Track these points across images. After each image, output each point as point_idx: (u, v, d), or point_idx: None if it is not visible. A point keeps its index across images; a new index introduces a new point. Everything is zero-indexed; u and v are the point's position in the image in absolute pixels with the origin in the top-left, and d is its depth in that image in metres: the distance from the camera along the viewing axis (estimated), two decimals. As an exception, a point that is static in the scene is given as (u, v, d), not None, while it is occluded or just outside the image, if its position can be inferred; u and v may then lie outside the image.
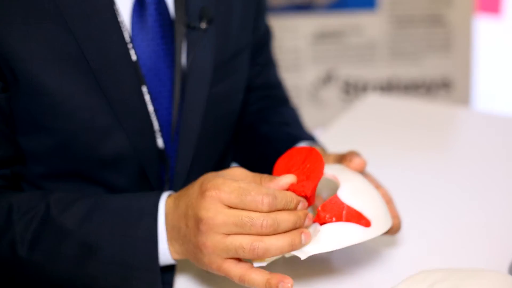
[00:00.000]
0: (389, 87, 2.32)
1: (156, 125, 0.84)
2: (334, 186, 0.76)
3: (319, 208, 0.72)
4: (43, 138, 0.81)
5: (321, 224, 0.71)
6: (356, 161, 0.79)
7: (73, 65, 0.78)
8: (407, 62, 2.30)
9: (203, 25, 0.86)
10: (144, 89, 0.83)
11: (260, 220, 0.66)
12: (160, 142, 0.85)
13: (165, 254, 0.73)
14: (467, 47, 2.29)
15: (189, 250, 0.71)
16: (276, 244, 0.67)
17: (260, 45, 1.05)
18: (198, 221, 0.68)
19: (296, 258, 0.84)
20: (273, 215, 0.67)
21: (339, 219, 0.71)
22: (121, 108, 0.81)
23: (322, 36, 2.27)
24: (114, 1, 0.80)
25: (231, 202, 0.67)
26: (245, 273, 0.68)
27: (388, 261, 0.84)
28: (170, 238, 0.72)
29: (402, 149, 1.15)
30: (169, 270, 0.79)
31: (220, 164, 1.01)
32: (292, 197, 0.70)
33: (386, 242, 0.88)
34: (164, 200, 0.74)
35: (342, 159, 0.82)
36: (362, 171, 0.80)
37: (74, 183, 0.85)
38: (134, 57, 0.81)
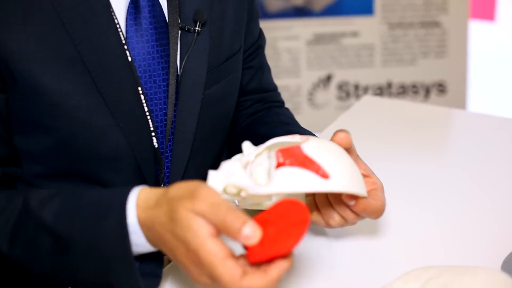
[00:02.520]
0: (385, 91, 2.33)
1: (151, 125, 0.85)
2: None
3: (277, 151, 0.71)
4: (41, 138, 0.82)
5: (277, 167, 0.70)
6: (340, 135, 0.78)
7: (70, 65, 0.79)
8: (403, 66, 2.31)
9: (197, 28, 0.88)
10: (140, 90, 0.84)
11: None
12: (155, 142, 0.86)
13: (142, 244, 0.70)
14: (462, 51, 2.30)
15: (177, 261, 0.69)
16: None
17: (254, 49, 1.06)
18: (187, 257, 0.65)
19: (294, 254, 0.84)
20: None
21: (295, 165, 0.69)
22: (117, 108, 0.82)
23: (319, 40, 2.28)
24: (110, 3, 0.81)
25: (218, 224, 0.64)
26: None
27: (383, 258, 0.85)
28: (145, 231, 0.69)
29: (398, 151, 1.15)
30: (156, 261, 0.76)
31: (216, 165, 1.01)
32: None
33: (381, 239, 0.88)
34: (136, 193, 0.70)
35: (331, 138, 0.81)
36: (346, 147, 0.78)
37: (71, 183, 0.86)
38: (130, 58, 0.83)
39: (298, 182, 0.69)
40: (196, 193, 0.64)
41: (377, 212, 0.78)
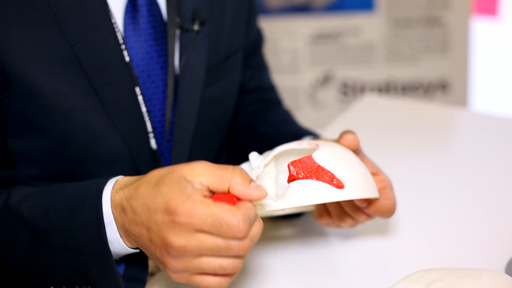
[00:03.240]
0: (386, 88, 2.32)
1: (149, 126, 0.85)
2: None
3: (289, 164, 0.70)
4: (38, 139, 0.81)
5: (290, 181, 0.69)
6: (347, 137, 0.77)
7: (66, 66, 0.78)
8: (405, 64, 2.30)
9: (196, 27, 0.87)
10: (137, 90, 0.83)
11: (237, 246, 0.62)
12: (153, 143, 0.86)
13: (117, 241, 0.68)
14: (465, 48, 2.29)
15: (148, 252, 0.66)
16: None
17: (253, 48, 1.05)
18: (166, 245, 0.63)
19: (294, 255, 0.84)
20: (247, 242, 0.63)
21: (309, 177, 0.69)
22: (114, 109, 0.82)
23: (320, 38, 2.27)
24: (107, 3, 0.80)
25: (205, 230, 0.62)
26: (229, 280, 0.65)
27: (385, 261, 0.84)
28: (121, 229, 0.67)
29: (400, 150, 1.15)
30: (141, 265, 0.75)
31: None
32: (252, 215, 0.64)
33: (383, 241, 0.88)
34: (111, 184, 0.69)
35: (337, 139, 0.80)
36: (354, 148, 0.78)
37: None
38: (127, 58, 0.82)
39: (314, 195, 0.69)
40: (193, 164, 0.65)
41: (389, 212, 0.79)
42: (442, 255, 0.85)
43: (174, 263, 0.63)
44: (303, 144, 0.76)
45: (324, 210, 0.82)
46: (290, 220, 0.93)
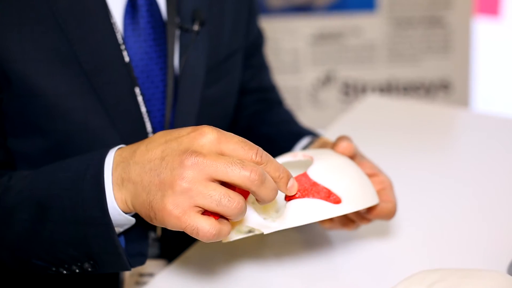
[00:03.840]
0: (388, 89, 2.32)
1: (149, 126, 0.84)
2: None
3: None
4: (37, 140, 0.81)
5: (288, 200, 0.69)
6: (342, 145, 0.77)
7: (66, 66, 0.78)
8: (406, 64, 2.30)
9: (196, 27, 0.87)
10: (137, 90, 0.83)
11: (250, 167, 0.59)
12: None
13: (113, 207, 0.65)
14: (466, 48, 2.29)
15: (146, 190, 0.62)
16: (264, 193, 0.62)
17: (253, 48, 1.05)
18: (184, 154, 0.60)
19: (294, 257, 0.84)
20: (261, 167, 0.61)
21: (305, 195, 0.68)
22: (114, 109, 0.81)
23: (322, 38, 2.27)
24: (106, 3, 0.80)
25: (226, 148, 0.61)
26: (218, 231, 0.61)
27: (387, 261, 0.84)
28: (116, 184, 0.65)
29: (401, 150, 1.15)
30: (141, 239, 0.73)
31: None
32: (284, 168, 0.64)
33: (384, 241, 0.88)
34: (114, 150, 0.67)
35: (333, 145, 0.80)
36: (350, 155, 0.77)
37: None
38: (127, 58, 0.82)
39: (311, 213, 0.69)
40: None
41: (390, 214, 0.79)
42: (444, 256, 0.85)
43: (185, 176, 0.59)
44: (298, 156, 0.76)
45: None
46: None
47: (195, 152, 0.59)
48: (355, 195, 0.72)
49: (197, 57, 0.88)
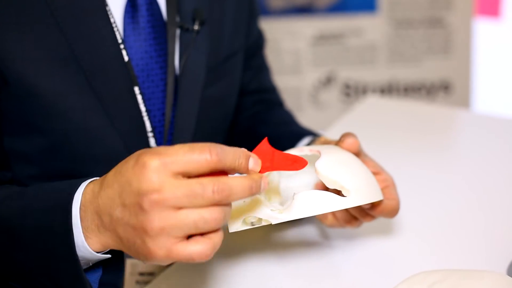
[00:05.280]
0: (389, 89, 2.32)
1: (148, 125, 0.85)
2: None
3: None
4: (36, 139, 0.81)
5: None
6: (348, 141, 0.76)
7: (64, 65, 0.78)
8: (407, 64, 2.30)
9: (196, 27, 0.87)
10: (137, 89, 0.83)
11: (211, 185, 0.56)
12: (152, 143, 0.85)
13: (83, 246, 0.63)
14: (467, 49, 2.29)
15: (125, 238, 0.59)
16: (237, 198, 0.58)
17: (253, 50, 1.05)
18: (139, 196, 0.56)
19: (295, 257, 0.84)
20: (224, 179, 0.57)
21: (271, 167, 0.65)
22: (113, 109, 0.81)
23: (323, 39, 2.27)
24: (106, 2, 0.80)
25: (177, 167, 0.56)
26: (213, 246, 0.58)
27: (387, 262, 0.84)
28: (90, 228, 0.62)
29: (402, 151, 1.15)
30: (116, 270, 0.73)
31: None
32: (239, 152, 0.59)
33: (384, 242, 0.88)
34: (82, 187, 0.64)
35: (338, 141, 0.79)
36: (356, 151, 0.77)
37: None
38: (126, 57, 0.82)
39: (319, 205, 0.69)
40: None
41: (393, 212, 0.79)
42: (444, 257, 0.85)
43: (151, 220, 0.56)
44: (305, 151, 0.76)
45: (330, 212, 0.82)
46: (291, 222, 0.92)
47: (148, 192, 0.55)
48: (363, 189, 0.72)
49: (197, 56, 0.88)
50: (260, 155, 0.63)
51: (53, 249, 0.64)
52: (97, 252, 0.64)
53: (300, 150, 0.77)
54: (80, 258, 0.64)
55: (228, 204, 0.58)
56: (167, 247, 0.57)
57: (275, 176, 0.76)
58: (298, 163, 0.66)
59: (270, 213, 0.68)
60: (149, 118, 0.84)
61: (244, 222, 0.68)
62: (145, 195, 0.56)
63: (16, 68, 0.76)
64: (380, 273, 0.82)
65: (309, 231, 0.91)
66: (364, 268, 0.83)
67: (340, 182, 0.70)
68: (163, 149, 0.57)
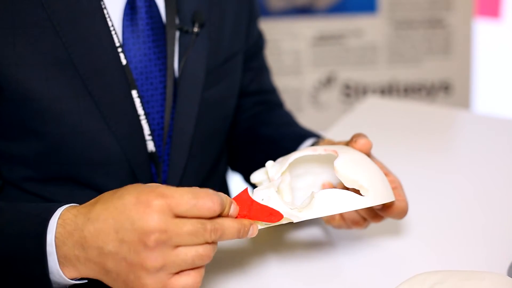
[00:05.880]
0: (389, 90, 2.32)
1: (146, 128, 0.84)
2: (334, 159, 0.75)
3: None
4: (32, 143, 0.81)
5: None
6: (361, 141, 0.77)
7: (60, 69, 0.78)
8: (407, 65, 2.30)
9: (195, 29, 0.86)
10: (134, 92, 0.82)
11: (209, 225, 0.60)
12: (151, 146, 0.85)
13: (58, 274, 0.63)
14: (467, 50, 2.29)
15: (114, 272, 0.60)
16: (228, 238, 0.63)
17: (253, 51, 1.05)
18: (144, 235, 0.58)
19: (296, 258, 0.84)
20: (219, 220, 0.61)
21: (247, 216, 0.67)
22: (110, 112, 0.81)
23: (323, 39, 2.27)
24: (104, 5, 0.80)
25: (180, 211, 0.59)
26: (201, 277, 0.62)
27: (387, 263, 0.84)
28: (68, 258, 0.62)
29: (402, 151, 1.15)
30: None
31: (215, 169, 1.00)
32: (229, 198, 0.63)
33: (385, 243, 0.88)
34: (58, 214, 0.64)
35: (349, 142, 0.80)
36: (368, 152, 0.78)
37: (63, 187, 0.85)
38: (124, 61, 0.81)
39: (339, 204, 0.69)
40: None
41: (403, 212, 0.79)
42: (444, 257, 0.85)
43: (154, 258, 0.58)
44: (319, 151, 0.76)
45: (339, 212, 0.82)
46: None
47: (154, 231, 0.58)
48: (379, 188, 0.72)
49: (196, 58, 0.88)
50: (239, 203, 0.66)
51: (27, 275, 0.64)
52: (72, 279, 0.64)
53: (314, 149, 0.76)
54: (53, 284, 0.65)
55: (216, 242, 0.62)
56: (163, 282, 0.59)
57: (286, 176, 0.77)
58: (274, 216, 0.68)
59: (290, 211, 0.68)
60: (148, 121, 0.84)
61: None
62: (151, 234, 0.58)
63: (11, 73, 0.76)
64: (380, 274, 0.82)
65: (310, 232, 0.91)
66: (365, 269, 0.83)
67: (359, 181, 0.71)
68: (166, 190, 0.59)
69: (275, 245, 0.88)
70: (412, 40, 2.28)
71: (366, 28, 2.26)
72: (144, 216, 0.58)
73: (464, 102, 2.33)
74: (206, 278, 0.81)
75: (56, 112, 0.79)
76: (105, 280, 0.62)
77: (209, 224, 0.60)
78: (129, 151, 0.83)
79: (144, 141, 0.84)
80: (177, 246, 0.59)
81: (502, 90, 2.90)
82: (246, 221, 0.65)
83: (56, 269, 0.63)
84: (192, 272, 0.61)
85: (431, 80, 2.31)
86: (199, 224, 0.59)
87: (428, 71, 2.30)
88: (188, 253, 0.59)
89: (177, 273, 0.60)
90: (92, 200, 0.63)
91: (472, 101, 2.38)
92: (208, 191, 0.61)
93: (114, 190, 0.62)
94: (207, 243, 0.61)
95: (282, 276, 0.82)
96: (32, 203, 0.69)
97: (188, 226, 0.59)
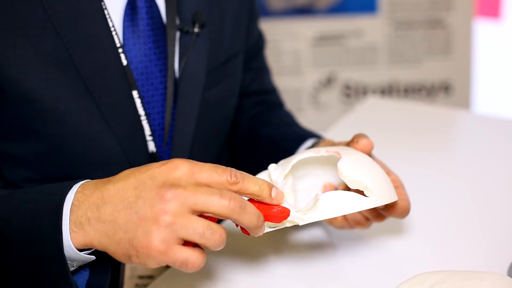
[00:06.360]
0: (389, 90, 2.32)
1: (147, 129, 0.84)
2: (337, 161, 0.75)
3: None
4: (33, 143, 0.81)
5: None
6: (362, 142, 0.77)
7: (61, 70, 0.78)
8: (407, 65, 2.30)
9: (196, 30, 0.86)
10: (135, 93, 0.83)
11: (228, 195, 0.59)
12: (151, 146, 0.85)
13: (68, 245, 0.63)
14: (467, 50, 2.29)
15: (122, 230, 0.59)
16: (247, 219, 0.61)
17: (254, 51, 1.05)
18: (163, 188, 0.58)
19: (297, 258, 0.84)
20: (241, 197, 0.60)
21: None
22: (110, 113, 0.81)
23: (323, 40, 2.27)
24: (104, 6, 0.80)
25: (202, 177, 0.60)
26: (204, 260, 0.60)
27: (387, 263, 0.84)
28: (78, 221, 0.62)
29: (402, 152, 1.15)
30: (102, 273, 0.71)
31: None
32: (261, 180, 0.63)
33: (385, 244, 0.88)
34: (76, 187, 0.64)
35: (350, 142, 0.80)
36: (369, 152, 0.78)
37: None
38: (124, 61, 0.81)
39: (344, 205, 0.69)
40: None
41: (406, 212, 0.78)
42: (444, 257, 0.85)
43: (168, 210, 0.58)
44: (321, 152, 0.76)
45: None
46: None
47: (174, 185, 0.58)
48: (383, 189, 0.72)
49: (197, 59, 0.88)
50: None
51: (41, 250, 0.64)
52: (80, 251, 0.63)
53: (316, 151, 0.76)
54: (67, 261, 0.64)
55: (225, 232, 0.60)
56: (168, 242, 0.58)
57: (289, 178, 0.77)
58: (282, 213, 0.66)
59: (295, 214, 0.68)
60: (148, 122, 0.84)
61: (268, 224, 0.68)
62: (170, 188, 0.58)
63: (12, 74, 0.76)
64: (380, 274, 0.82)
65: (310, 232, 0.91)
66: (365, 269, 0.83)
67: (363, 182, 0.71)
68: (190, 160, 0.60)
69: (277, 246, 0.88)
70: (412, 41, 2.28)
71: (366, 28, 2.26)
72: (168, 174, 0.59)
73: (464, 102, 2.33)
74: (207, 279, 0.82)
75: (57, 113, 0.79)
76: (109, 244, 0.61)
77: (227, 194, 0.59)
78: (130, 152, 0.83)
79: (145, 141, 0.85)
80: (192, 213, 0.58)
81: (502, 90, 2.90)
82: (265, 184, 0.63)
83: (67, 239, 0.62)
84: (197, 249, 0.59)
85: (431, 80, 2.31)
86: (217, 190, 0.59)
87: (428, 71, 2.30)
88: (200, 222, 0.58)
89: (184, 244, 0.59)
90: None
91: (472, 101, 2.38)
92: (226, 168, 0.61)
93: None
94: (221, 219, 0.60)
95: (283, 277, 0.82)
96: (47, 184, 0.68)
97: (205, 189, 0.59)
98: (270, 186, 0.63)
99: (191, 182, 0.59)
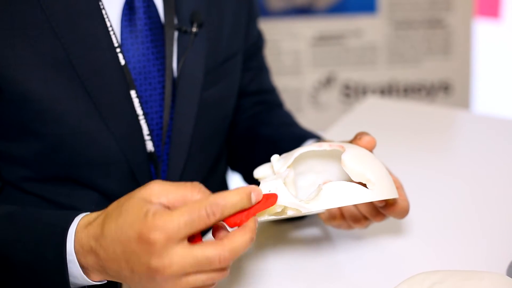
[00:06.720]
0: (389, 90, 2.32)
1: (145, 128, 0.84)
2: (338, 158, 0.75)
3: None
4: (31, 143, 0.81)
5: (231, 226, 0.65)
6: (365, 139, 0.77)
7: (59, 70, 0.78)
8: (407, 65, 2.30)
9: (194, 29, 0.86)
10: (133, 93, 0.82)
11: (217, 256, 0.59)
12: (150, 146, 0.85)
13: (81, 277, 0.65)
14: (467, 50, 2.29)
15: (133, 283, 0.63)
16: (240, 251, 0.61)
17: (253, 51, 1.05)
18: (150, 271, 0.59)
19: (297, 258, 0.84)
20: (228, 245, 0.60)
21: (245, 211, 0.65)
22: (108, 113, 0.81)
23: (322, 39, 2.27)
24: (102, 6, 0.80)
25: (181, 236, 0.59)
26: None
27: (387, 263, 0.84)
28: (89, 270, 0.65)
29: (402, 152, 1.15)
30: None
31: (214, 168, 1.00)
32: (240, 194, 0.61)
33: (384, 243, 0.88)
34: (76, 221, 0.65)
35: (353, 140, 0.80)
36: (371, 150, 0.78)
37: (63, 187, 0.85)
38: (122, 61, 0.81)
39: (346, 196, 0.69)
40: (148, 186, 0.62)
41: (405, 212, 0.78)
42: (444, 257, 0.85)
43: (164, 285, 0.60)
44: (324, 146, 0.76)
45: (337, 211, 0.82)
46: (293, 222, 0.92)
47: (159, 269, 0.59)
48: (385, 183, 0.72)
49: (195, 59, 0.88)
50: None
51: (46, 282, 0.66)
52: (96, 281, 0.66)
53: (319, 145, 0.77)
54: (74, 285, 0.66)
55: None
56: None
57: (291, 171, 0.77)
58: (270, 199, 0.66)
59: (298, 202, 0.68)
60: (147, 121, 0.84)
61: (269, 212, 0.68)
62: (157, 272, 0.59)
63: (11, 74, 0.76)
64: (380, 273, 0.82)
65: (309, 232, 0.91)
66: (364, 269, 0.83)
67: (366, 175, 0.71)
68: (161, 221, 0.58)
69: (275, 245, 0.88)
70: (412, 40, 2.28)
71: (366, 28, 2.26)
72: (148, 254, 0.59)
73: (464, 102, 2.33)
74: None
75: (56, 113, 0.79)
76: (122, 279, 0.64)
77: (216, 256, 0.59)
78: (128, 151, 0.83)
79: (143, 141, 0.85)
80: (187, 274, 0.59)
81: (502, 90, 2.90)
82: (251, 224, 0.62)
83: (79, 274, 0.65)
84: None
85: (431, 80, 2.31)
86: (202, 257, 0.59)
87: (428, 71, 2.30)
88: (198, 278, 0.60)
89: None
90: (100, 219, 0.63)
91: (472, 101, 2.38)
92: (204, 201, 0.59)
93: (118, 204, 0.62)
94: (217, 269, 0.60)
95: (282, 276, 0.82)
96: (47, 210, 0.70)
97: (189, 258, 0.59)
98: (247, 194, 0.62)
99: (173, 249, 0.59)
